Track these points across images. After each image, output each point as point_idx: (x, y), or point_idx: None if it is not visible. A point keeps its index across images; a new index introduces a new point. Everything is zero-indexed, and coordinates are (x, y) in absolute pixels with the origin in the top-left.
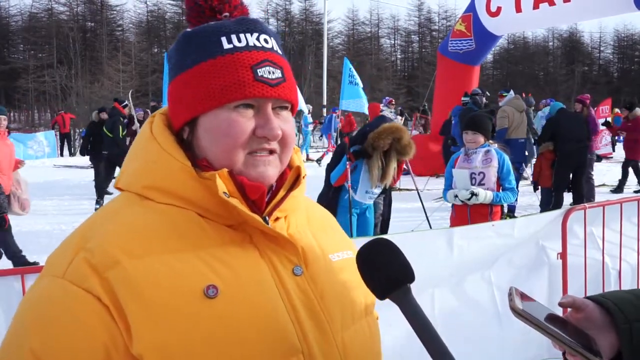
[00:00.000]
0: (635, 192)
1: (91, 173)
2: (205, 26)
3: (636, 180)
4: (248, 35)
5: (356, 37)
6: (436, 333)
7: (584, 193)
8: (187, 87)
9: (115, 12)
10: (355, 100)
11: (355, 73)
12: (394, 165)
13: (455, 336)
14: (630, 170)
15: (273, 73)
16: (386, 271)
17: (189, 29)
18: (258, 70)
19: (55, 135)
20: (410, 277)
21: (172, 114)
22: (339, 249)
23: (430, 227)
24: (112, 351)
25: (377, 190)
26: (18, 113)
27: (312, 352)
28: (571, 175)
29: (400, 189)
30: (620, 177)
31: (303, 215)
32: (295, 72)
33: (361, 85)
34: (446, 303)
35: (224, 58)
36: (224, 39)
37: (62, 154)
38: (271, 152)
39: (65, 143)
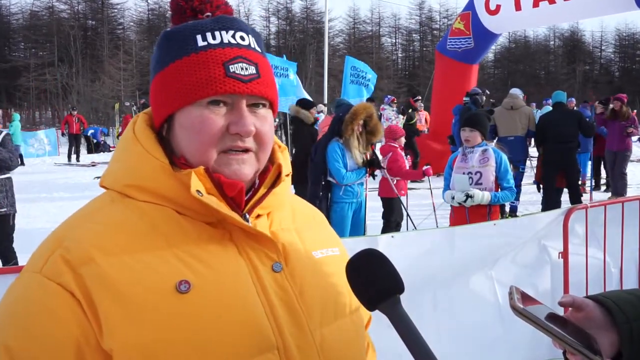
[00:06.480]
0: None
1: (92, 172)
2: (184, 25)
3: (637, 178)
4: (223, 32)
5: (357, 35)
6: (427, 347)
7: (581, 192)
8: (164, 85)
9: (116, 10)
10: (359, 100)
11: (363, 71)
12: (365, 144)
13: (457, 336)
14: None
15: (246, 69)
16: (374, 282)
17: (168, 29)
18: (230, 67)
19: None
20: (400, 288)
21: (153, 111)
22: (324, 246)
23: (415, 228)
24: (84, 345)
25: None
26: (19, 111)
27: (287, 348)
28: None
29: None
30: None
31: (288, 212)
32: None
33: (371, 80)
34: (448, 303)
35: (198, 55)
36: (199, 37)
37: (69, 157)
38: (246, 150)
39: (73, 145)
